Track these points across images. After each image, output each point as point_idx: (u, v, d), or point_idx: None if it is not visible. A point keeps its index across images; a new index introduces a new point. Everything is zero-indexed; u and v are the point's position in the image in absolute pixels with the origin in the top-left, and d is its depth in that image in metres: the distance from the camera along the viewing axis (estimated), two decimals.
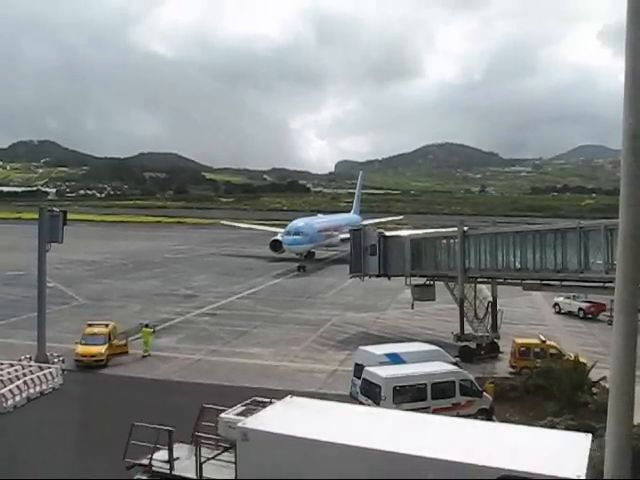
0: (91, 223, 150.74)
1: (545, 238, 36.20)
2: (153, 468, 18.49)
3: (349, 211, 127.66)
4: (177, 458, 18.68)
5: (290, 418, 18.50)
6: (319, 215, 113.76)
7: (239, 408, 20.83)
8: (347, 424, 17.89)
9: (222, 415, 20.38)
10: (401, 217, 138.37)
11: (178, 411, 21.93)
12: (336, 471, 15.78)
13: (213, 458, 18.57)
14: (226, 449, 18.83)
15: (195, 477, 18.07)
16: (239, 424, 17.85)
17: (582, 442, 16.07)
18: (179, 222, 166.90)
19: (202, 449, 18.88)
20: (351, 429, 17.20)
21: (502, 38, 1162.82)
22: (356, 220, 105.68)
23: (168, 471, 18.41)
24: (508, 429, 19.38)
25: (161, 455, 18.87)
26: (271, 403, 20.56)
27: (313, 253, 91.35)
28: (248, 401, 21.51)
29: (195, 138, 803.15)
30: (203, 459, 18.36)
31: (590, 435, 16.82)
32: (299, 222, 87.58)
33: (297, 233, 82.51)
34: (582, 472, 13.73)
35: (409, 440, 16.27)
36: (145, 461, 18.68)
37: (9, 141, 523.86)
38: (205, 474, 18.03)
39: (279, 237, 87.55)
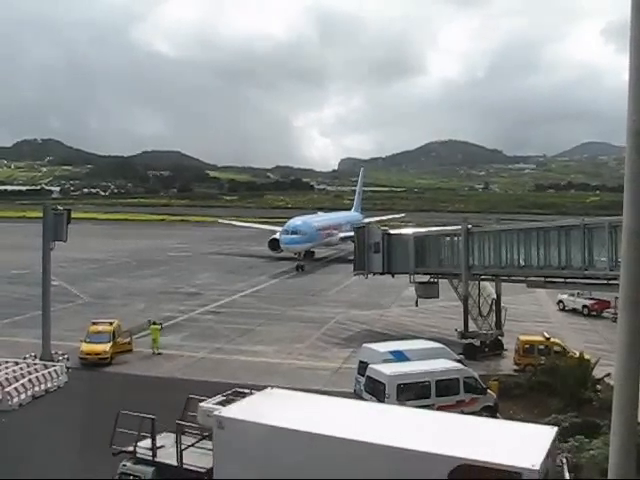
0: (95, 221, 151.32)
1: (549, 235, 36.10)
2: (137, 455, 19.10)
3: (351, 209, 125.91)
4: (162, 446, 19.25)
5: (266, 408, 19.12)
6: (319, 213, 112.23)
7: (219, 398, 21.35)
8: (321, 414, 18.47)
9: (201, 404, 20.94)
10: (403, 215, 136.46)
11: (181, 408, 22.03)
12: (306, 458, 16.37)
13: (192, 445, 19.10)
14: (204, 437, 19.35)
15: (176, 464, 18.61)
16: (215, 412, 18.46)
17: (546, 434, 16.69)
18: (183, 220, 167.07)
19: (188, 438, 19.54)
20: (323, 419, 17.82)
21: (505, 35, 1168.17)
22: (357, 218, 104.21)
23: (151, 458, 19.03)
24: (475, 421, 19.93)
25: (147, 443, 19.49)
26: (251, 394, 21.07)
27: (313, 252, 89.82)
28: (229, 391, 22.02)
29: (199, 136, 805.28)
30: (184, 447, 18.86)
31: (556, 428, 17.56)
32: (297, 221, 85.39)
33: (295, 232, 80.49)
34: (537, 462, 14.24)
35: (375, 429, 16.88)
36: (130, 448, 19.31)
37: (13, 140, 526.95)
38: (187, 461, 18.54)
39: (277, 236, 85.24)
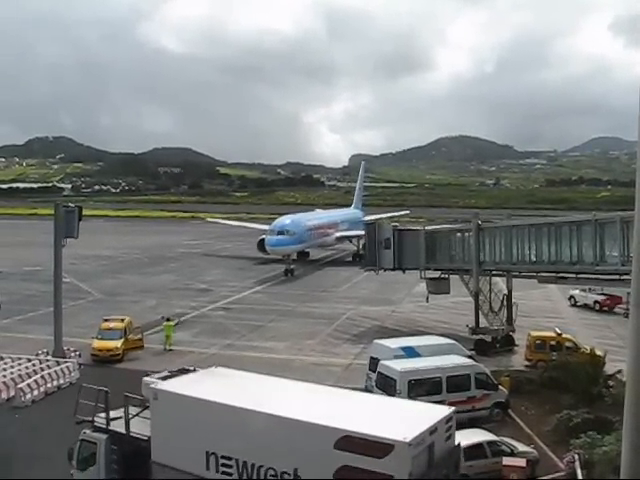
0: (106, 218, 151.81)
1: (560, 231, 35.99)
2: (95, 424, 20.96)
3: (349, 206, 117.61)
4: (120, 417, 20.72)
5: (201, 383, 20.85)
6: (318, 211, 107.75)
7: (164, 373, 23.95)
8: (244, 390, 19.99)
9: (145, 378, 23.60)
10: (407, 211, 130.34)
11: None
12: (221, 427, 17.92)
13: (137, 415, 20.54)
14: (146, 407, 20.73)
15: (124, 432, 20.32)
16: (151, 385, 20.46)
17: (435, 412, 17.68)
18: (193, 217, 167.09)
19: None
20: (243, 393, 19.25)
21: (513, 30, 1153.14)
22: (356, 216, 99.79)
23: (105, 426, 20.90)
24: (368, 398, 22.29)
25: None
26: (195, 371, 23.48)
27: (307, 253, 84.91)
28: (176, 369, 24.68)
29: (208, 133, 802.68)
30: (130, 417, 20.47)
31: (452, 408, 18.22)
32: (285, 219, 77.89)
33: (281, 232, 72.82)
34: (411, 436, 15.36)
35: (280, 403, 18.32)
36: (90, 418, 21.17)
37: (25, 137, 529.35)
38: (134, 429, 20.07)
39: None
